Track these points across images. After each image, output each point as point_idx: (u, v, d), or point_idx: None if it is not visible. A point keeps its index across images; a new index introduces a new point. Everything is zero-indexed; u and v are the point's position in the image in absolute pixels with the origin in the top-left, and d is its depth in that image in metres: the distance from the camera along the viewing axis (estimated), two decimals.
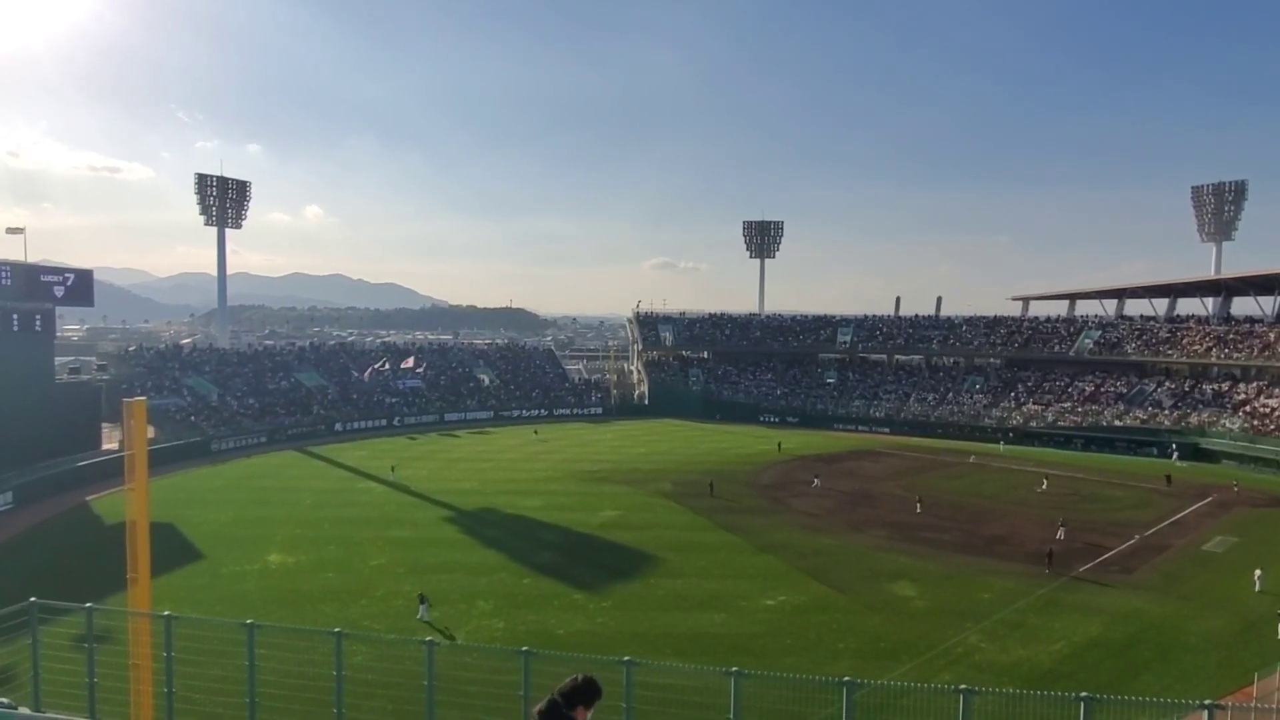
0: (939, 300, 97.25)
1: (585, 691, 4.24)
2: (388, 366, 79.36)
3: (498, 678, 12.19)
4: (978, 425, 73.29)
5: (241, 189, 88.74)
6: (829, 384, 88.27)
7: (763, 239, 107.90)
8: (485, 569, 33.04)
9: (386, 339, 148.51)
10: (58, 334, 57.82)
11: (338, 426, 70.93)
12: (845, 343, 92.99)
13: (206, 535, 37.22)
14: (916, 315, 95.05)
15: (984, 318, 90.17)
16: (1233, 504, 46.67)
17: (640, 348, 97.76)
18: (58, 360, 59.72)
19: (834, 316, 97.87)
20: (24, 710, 5.65)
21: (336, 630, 11.43)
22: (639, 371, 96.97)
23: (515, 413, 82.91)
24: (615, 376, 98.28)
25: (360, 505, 44.37)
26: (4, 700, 4.87)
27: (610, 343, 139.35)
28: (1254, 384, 68.48)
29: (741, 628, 26.87)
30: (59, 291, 55.30)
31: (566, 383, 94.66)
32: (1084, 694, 7.91)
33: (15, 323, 50.82)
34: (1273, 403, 64.16)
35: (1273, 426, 60.81)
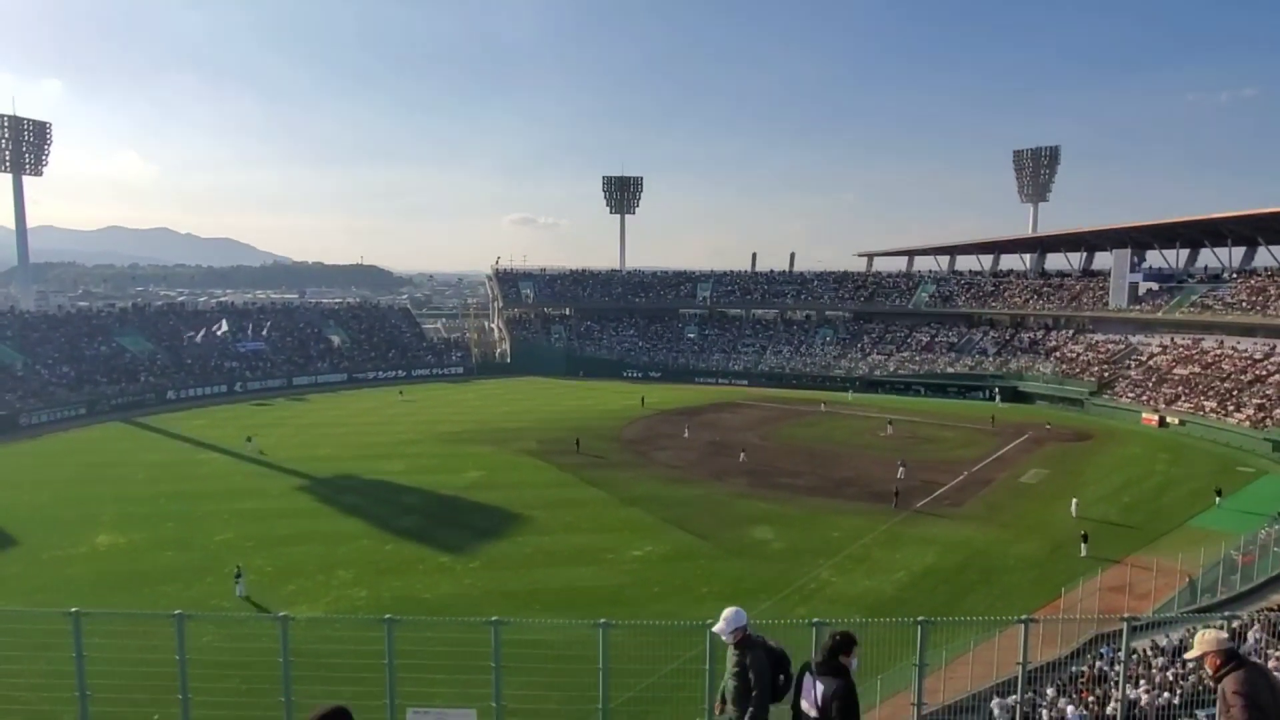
0: (792, 256, 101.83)
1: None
2: (224, 329, 73.96)
3: (362, 648, 11.79)
4: (828, 375, 77.45)
5: (40, 131, 78.90)
6: (690, 339, 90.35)
7: (623, 194, 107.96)
8: (344, 537, 31.82)
9: (223, 299, 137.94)
10: None
11: (170, 395, 65.60)
12: (705, 299, 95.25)
13: (19, 518, 33.62)
14: (772, 271, 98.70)
15: (833, 273, 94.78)
16: (1045, 440, 52.02)
17: (501, 305, 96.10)
18: None
19: (694, 272, 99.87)
20: None
21: (177, 612, 10.61)
22: (500, 329, 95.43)
23: (371, 375, 79.64)
24: (476, 335, 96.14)
25: (201, 478, 41.42)
26: None
27: (470, 300, 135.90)
28: (1064, 332, 76.12)
29: (610, 580, 27.41)
30: None
31: (425, 342, 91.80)
32: (920, 618, 8.58)
33: None
34: (1078, 349, 71.66)
35: (1078, 370, 68.00)
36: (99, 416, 58.43)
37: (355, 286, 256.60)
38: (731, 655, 5.98)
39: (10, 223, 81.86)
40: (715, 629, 6.09)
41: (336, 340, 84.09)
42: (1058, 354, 71.99)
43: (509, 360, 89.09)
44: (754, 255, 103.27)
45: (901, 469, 41.22)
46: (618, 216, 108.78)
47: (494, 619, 10.30)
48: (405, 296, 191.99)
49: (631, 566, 28.81)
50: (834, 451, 48.82)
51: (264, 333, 78.73)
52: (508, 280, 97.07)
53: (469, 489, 39.12)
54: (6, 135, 76.40)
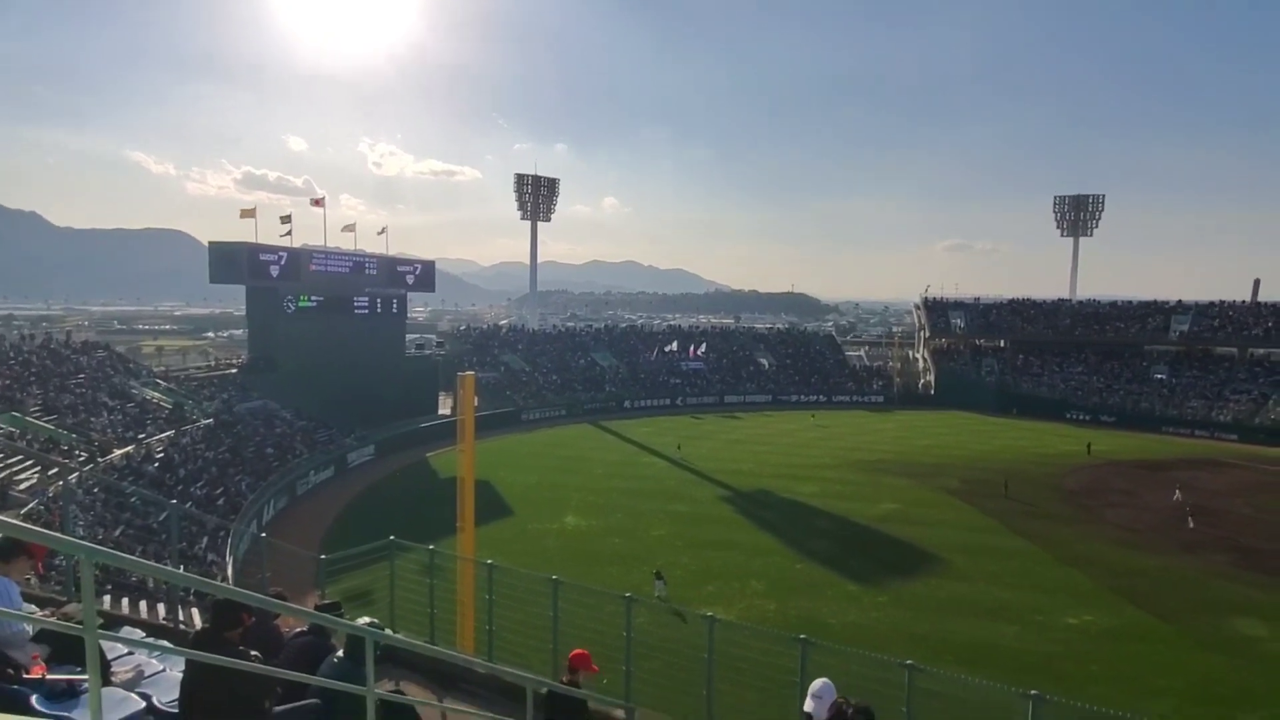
0: None
1: None
2: (674, 348, 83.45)
3: (768, 660, 12.46)
4: None
5: (551, 186, 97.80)
6: (1157, 380, 76.48)
7: (1078, 215, 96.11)
8: (759, 550, 33.62)
9: (672, 322, 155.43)
10: (407, 316, 68.46)
11: (626, 403, 75.92)
12: (1181, 333, 79.82)
13: (516, 495, 42.10)
14: None
15: None
16: None
17: (927, 335, 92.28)
18: (407, 338, 70.75)
19: (1166, 302, 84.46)
20: (387, 632, 6.97)
21: (627, 595, 12.48)
22: (925, 360, 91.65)
23: (793, 397, 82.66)
24: (899, 364, 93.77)
25: (644, 478, 47.26)
26: (377, 621, 6.08)
27: (895, 329, 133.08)
28: None
29: (1036, 645, 24.60)
30: (410, 280, 65.61)
31: (846, 369, 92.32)
32: None
33: (379, 306, 61.34)
34: None
35: None
36: (575, 417, 70.15)
37: (784, 313, 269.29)
38: None
39: (526, 259, 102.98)
40: (808, 708, 5.43)
41: (765, 363, 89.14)
42: None
43: (933, 392, 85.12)
44: (1256, 282, 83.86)
45: None
46: (1070, 240, 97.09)
47: (909, 663, 10.12)
48: (830, 324, 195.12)
49: (1065, 635, 25.46)
50: None
51: (702, 352, 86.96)
52: (936, 309, 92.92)
53: (883, 521, 38.37)
54: (529, 191, 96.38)
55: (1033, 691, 9.21)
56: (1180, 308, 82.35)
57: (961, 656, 23.15)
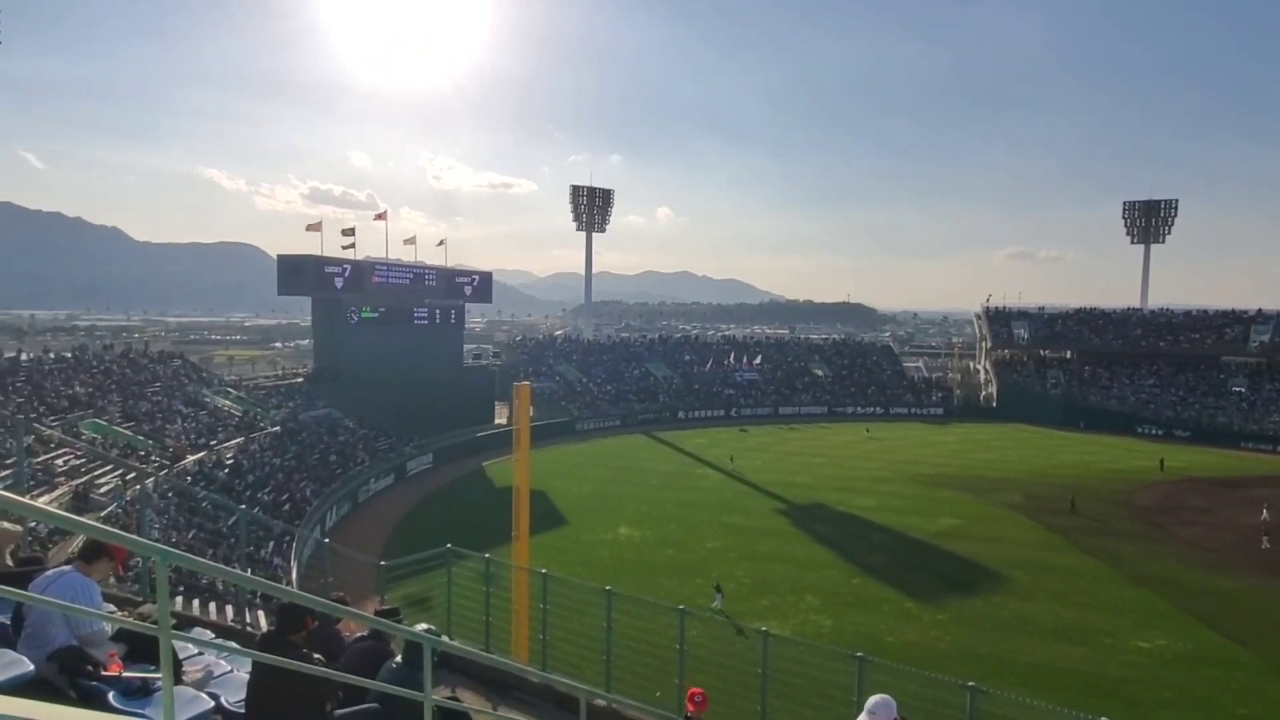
0: None
1: None
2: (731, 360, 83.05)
3: (825, 677, 12.29)
4: None
5: (606, 197, 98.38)
6: (1236, 393, 73.01)
7: (1149, 221, 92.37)
8: (814, 564, 33.15)
9: (726, 332, 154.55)
10: (465, 326, 69.67)
11: (680, 414, 75.75)
12: (1262, 343, 76.11)
13: (570, 504, 42.35)
14: None
15: None
16: None
17: (989, 345, 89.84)
18: (464, 348, 71.98)
19: (1246, 312, 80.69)
20: (444, 639, 7.10)
21: (680, 607, 12.47)
22: (986, 371, 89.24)
23: (849, 409, 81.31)
24: (959, 376, 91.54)
25: (699, 490, 47.07)
26: (434, 628, 6.20)
27: (954, 340, 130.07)
28: None
29: (1105, 668, 23.66)
30: (468, 290, 66.89)
31: (904, 381, 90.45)
32: None
33: (438, 316, 62.68)
34: None
35: None
36: (629, 428, 70.27)
37: (840, 323, 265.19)
38: None
39: (581, 270, 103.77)
40: None
41: (820, 374, 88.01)
42: None
43: (994, 404, 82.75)
44: None
45: None
46: (1140, 247, 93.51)
47: (970, 684, 9.88)
48: (888, 334, 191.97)
49: (1135, 659, 24.43)
50: None
51: (757, 363, 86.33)
52: (998, 319, 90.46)
53: (941, 536, 37.45)
54: (584, 202, 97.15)
55: (1103, 718, 8.91)
56: (1260, 317, 78.58)
57: (1025, 678, 22.41)
